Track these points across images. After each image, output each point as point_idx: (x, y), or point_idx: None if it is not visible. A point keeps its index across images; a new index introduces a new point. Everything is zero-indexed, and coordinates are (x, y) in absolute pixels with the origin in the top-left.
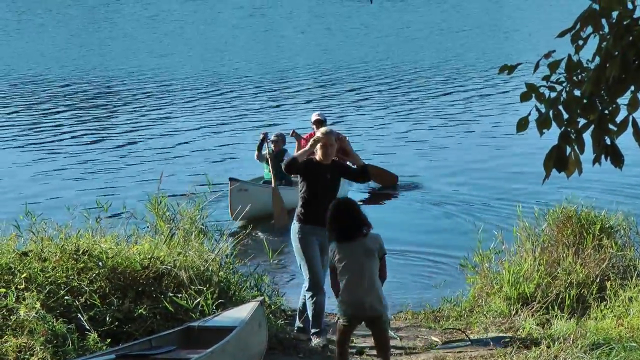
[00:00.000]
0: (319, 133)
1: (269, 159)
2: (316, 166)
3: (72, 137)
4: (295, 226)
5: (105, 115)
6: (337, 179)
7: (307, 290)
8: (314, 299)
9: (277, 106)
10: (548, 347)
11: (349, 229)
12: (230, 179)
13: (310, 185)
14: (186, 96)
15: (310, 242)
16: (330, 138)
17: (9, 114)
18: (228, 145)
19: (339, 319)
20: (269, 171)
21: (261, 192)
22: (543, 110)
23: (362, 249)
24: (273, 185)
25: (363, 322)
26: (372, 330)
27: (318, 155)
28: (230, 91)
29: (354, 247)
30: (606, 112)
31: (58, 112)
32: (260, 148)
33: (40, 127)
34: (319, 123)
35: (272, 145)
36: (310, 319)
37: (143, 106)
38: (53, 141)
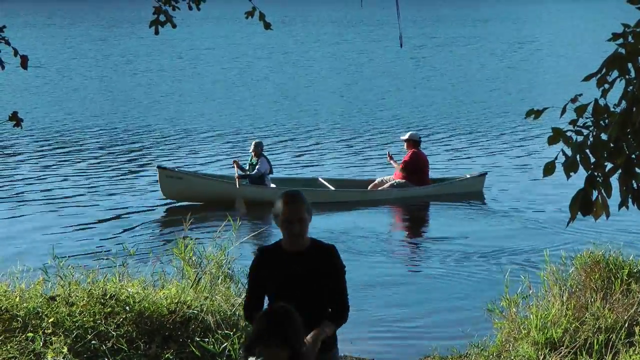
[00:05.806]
0: (280, 200)
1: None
2: (281, 256)
3: (99, 180)
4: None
5: (131, 157)
6: (314, 275)
7: None
8: None
9: (308, 154)
10: None
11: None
12: (159, 167)
13: (274, 285)
14: (213, 140)
15: None
16: (296, 208)
17: (32, 155)
18: None
19: None
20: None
21: (192, 180)
22: (570, 154)
23: None
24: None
25: None
26: None
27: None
28: (260, 137)
29: None
30: (633, 156)
31: (82, 155)
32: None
33: (66, 172)
34: (407, 143)
35: (253, 155)
36: None
37: (167, 149)
38: (80, 186)
